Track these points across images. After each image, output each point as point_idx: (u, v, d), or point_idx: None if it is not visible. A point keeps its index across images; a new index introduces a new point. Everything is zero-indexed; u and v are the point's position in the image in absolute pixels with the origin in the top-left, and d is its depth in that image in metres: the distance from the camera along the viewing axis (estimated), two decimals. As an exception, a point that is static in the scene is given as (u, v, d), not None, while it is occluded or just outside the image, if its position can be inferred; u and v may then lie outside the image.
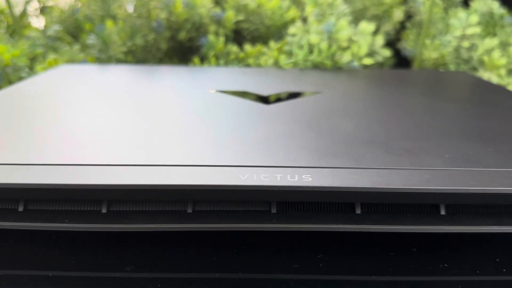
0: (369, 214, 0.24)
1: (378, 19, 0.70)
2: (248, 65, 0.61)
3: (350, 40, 0.58)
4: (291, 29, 0.60)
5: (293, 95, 0.42)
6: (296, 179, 0.23)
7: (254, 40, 0.67)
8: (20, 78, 0.54)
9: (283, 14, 0.65)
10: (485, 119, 0.35)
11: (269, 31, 0.66)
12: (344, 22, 0.57)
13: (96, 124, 0.33)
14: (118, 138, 0.30)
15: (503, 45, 0.60)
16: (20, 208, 0.24)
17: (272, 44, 0.61)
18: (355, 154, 0.27)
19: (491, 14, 0.63)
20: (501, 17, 0.62)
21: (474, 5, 0.64)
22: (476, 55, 0.59)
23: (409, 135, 0.31)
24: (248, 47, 0.62)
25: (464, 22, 0.59)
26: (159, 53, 0.66)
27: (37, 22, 0.73)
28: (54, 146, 0.29)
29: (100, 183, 0.23)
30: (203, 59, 0.63)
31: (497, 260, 0.25)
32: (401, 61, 0.71)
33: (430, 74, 0.56)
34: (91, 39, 0.62)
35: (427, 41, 0.64)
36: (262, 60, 0.59)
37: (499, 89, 0.45)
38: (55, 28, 0.65)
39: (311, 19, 0.61)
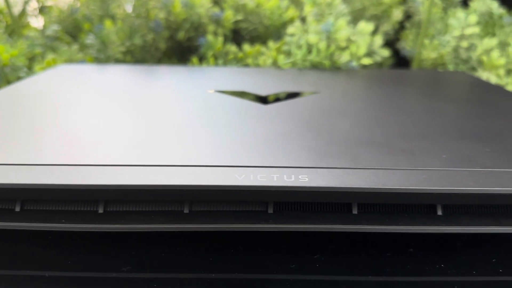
0: (366, 214, 0.24)
1: (377, 19, 0.70)
2: (246, 65, 0.61)
3: (349, 40, 0.58)
4: (290, 29, 0.60)
5: (292, 95, 0.42)
6: (293, 179, 0.23)
7: (252, 40, 0.67)
8: (19, 78, 0.54)
9: (282, 14, 0.65)
10: (483, 119, 0.35)
11: (268, 31, 0.66)
12: (342, 22, 0.57)
13: (93, 124, 0.33)
14: (115, 138, 0.30)
15: (502, 45, 0.60)
16: (17, 208, 0.24)
17: (271, 44, 0.61)
18: (352, 154, 0.27)
19: (490, 14, 0.63)
20: (500, 17, 0.62)
21: (473, 5, 0.64)
22: (475, 55, 0.59)
23: (407, 135, 0.31)
24: (246, 47, 0.62)
25: (463, 22, 0.59)
26: (158, 53, 0.66)
27: (36, 22, 0.73)
28: (52, 146, 0.29)
29: (97, 183, 0.23)
30: (201, 59, 0.63)
31: (493, 260, 0.25)
32: (400, 61, 0.71)
33: (429, 74, 0.56)
34: (89, 39, 0.62)
35: (426, 41, 0.64)
36: (261, 60, 0.59)
37: (498, 89, 0.45)
38: (54, 28, 0.65)
39: (309, 19, 0.61)
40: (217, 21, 0.65)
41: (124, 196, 0.24)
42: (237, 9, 0.66)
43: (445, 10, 0.69)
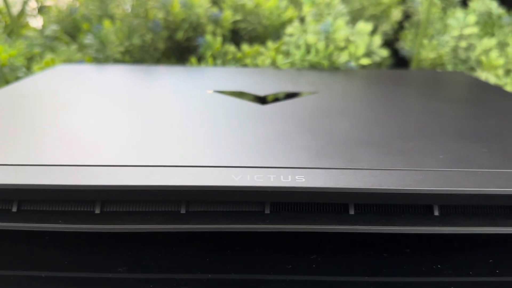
0: (363, 215, 0.24)
1: (376, 19, 0.70)
2: (245, 65, 0.61)
3: (348, 40, 0.58)
4: (289, 29, 0.60)
5: (290, 95, 0.42)
6: (290, 179, 0.23)
7: (251, 40, 0.67)
8: (17, 78, 0.54)
9: (280, 14, 0.65)
10: (481, 119, 0.35)
11: (267, 31, 0.66)
12: (341, 22, 0.57)
13: (91, 125, 0.33)
14: (112, 139, 0.30)
15: (501, 45, 0.60)
16: (14, 209, 0.24)
17: (270, 44, 0.61)
18: (349, 155, 0.27)
19: (489, 14, 0.63)
20: (500, 17, 0.62)
21: (472, 5, 0.64)
22: (473, 55, 0.59)
23: (404, 135, 0.31)
24: (245, 47, 0.62)
25: (462, 22, 0.59)
26: (157, 53, 0.66)
27: (35, 22, 0.73)
28: (49, 146, 0.29)
29: (93, 184, 0.23)
30: (200, 59, 0.63)
31: (490, 261, 0.25)
32: (399, 61, 0.71)
33: (427, 74, 0.56)
34: (88, 39, 0.62)
35: (425, 41, 0.64)
36: (260, 60, 0.59)
37: (496, 90, 0.45)
38: (53, 28, 0.65)
39: (308, 19, 0.61)
40: (216, 21, 0.65)
41: (121, 197, 0.24)
42: (236, 9, 0.66)
43: (444, 10, 0.69)
